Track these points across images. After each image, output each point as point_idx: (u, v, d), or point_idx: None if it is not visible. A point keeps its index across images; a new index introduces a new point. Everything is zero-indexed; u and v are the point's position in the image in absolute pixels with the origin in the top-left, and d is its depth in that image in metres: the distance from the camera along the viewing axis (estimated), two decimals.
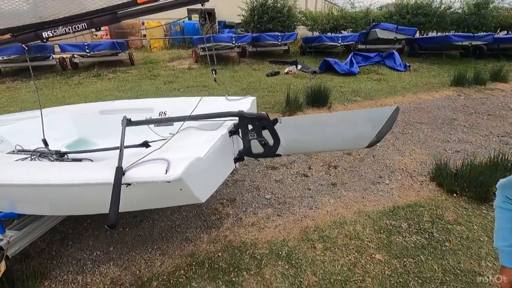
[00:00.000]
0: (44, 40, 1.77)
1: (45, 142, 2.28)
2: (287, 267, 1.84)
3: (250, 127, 1.70)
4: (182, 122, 1.81)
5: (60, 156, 2.27)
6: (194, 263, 1.89)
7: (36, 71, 8.12)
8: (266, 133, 1.69)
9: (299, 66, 8.23)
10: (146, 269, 1.87)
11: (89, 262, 1.94)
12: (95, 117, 2.71)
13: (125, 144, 2.06)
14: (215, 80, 2.29)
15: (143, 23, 13.67)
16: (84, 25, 1.71)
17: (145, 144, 2.04)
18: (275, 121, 1.68)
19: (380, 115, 1.63)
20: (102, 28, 13.76)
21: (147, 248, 2.05)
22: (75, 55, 8.48)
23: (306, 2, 20.34)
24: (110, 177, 1.22)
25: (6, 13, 1.72)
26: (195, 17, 16.93)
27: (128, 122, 1.71)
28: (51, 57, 8.31)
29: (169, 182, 1.19)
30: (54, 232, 2.20)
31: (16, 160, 1.93)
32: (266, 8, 11.44)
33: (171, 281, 1.77)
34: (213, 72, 2.28)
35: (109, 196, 1.26)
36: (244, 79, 7.01)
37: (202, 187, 1.35)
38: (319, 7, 19.46)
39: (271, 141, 1.69)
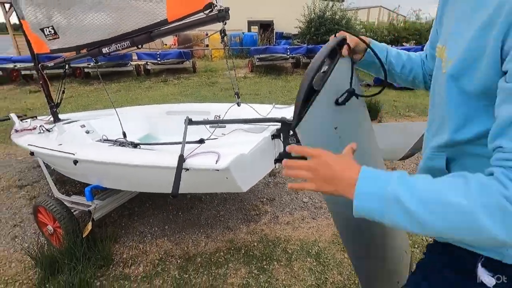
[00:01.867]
0: (106, 55, 2.16)
1: (124, 134, 2.80)
2: (315, 264, 1.99)
3: (291, 132, 1.91)
4: (234, 124, 2.12)
5: (134, 146, 2.77)
6: (232, 248, 2.15)
7: (117, 76, 9.48)
8: None
9: None
10: (193, 247, 2.19)
11: (149, 235, 2.34)
12: (163, 117, 3.20)
13: (186, 139, 2.46)
14: (238, 105, 2.45)
15: (206, 34, 14.89)
16: (128, 43, 1.99)
17: (201, 141, 2.39)
18: None
19: (416, 129, 1.70)
20: (171, 39, 15.35)
21: (195, 230, 2.38)
22: (148, 63, 9.69)
23: (369, 14, 19.81)
24: (174, 162, 1.55)
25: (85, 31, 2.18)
26: (255, 29, 17.82)
27: (190, 122, 2.07)
28: (129, 64, 9.64)
29: (218, 170, 1.47)
30: (124, 208, 2.69)
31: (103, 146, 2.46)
32: (323, 20, 11.56)
33: (212, 260, 2.05)
34: (236, 95, 2.38)
35: (170, 177, 1.60)
36: (296, 90, 7.23)
37: (244, 178, 1.61)
38: (382, 18, 18.78)
39: None
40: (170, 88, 7.75)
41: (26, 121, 3.31)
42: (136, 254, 2.15)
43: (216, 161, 1.48)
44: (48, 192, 2.94)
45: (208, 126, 2.49)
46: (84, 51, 2.15)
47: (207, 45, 14.31)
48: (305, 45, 10.07)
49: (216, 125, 2.34)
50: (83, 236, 1.98)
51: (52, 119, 3.24)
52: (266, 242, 2.21)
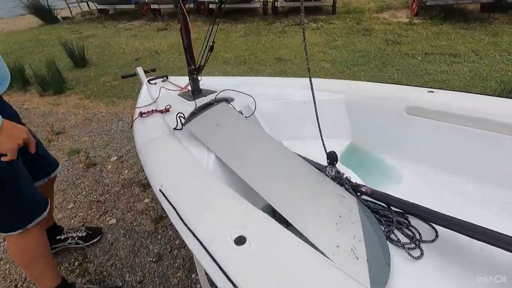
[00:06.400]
0: None
1: (332, 157, 1.27)
2: None
3: None
4: None
5: (350, 186, 1.22)
6: None
7: (241, 14, 8.07)
8: None
9: None
10: None
11: None
12: (393, 114, 1.51)
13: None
14: None
15: None
16: None
17: None
18: None
19: None
20: None
21: None
22: None
23: None
24: None
25: None
26: None
27: None
28: None
29: None
30: None
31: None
32: None
33: None
34: None
35: None
36: None
37: None
38: None
39: None
40: (311, 35, 5.86)
41: (155, 83, 2.17)
42: None
43: None
44: None
45: None
46: None
47: None
48: None
49: None
50: None
51: (189, 88, 1.99)
52: None
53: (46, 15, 9.13)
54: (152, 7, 8.56)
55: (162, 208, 1.09)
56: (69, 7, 10.04)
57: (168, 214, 0.91)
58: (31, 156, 1.10)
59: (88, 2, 10.10)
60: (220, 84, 2.10)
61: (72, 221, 1.90)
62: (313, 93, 1.23)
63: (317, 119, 1.27)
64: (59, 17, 9.47)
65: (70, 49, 4.60)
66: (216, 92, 1.96)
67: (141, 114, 1.62)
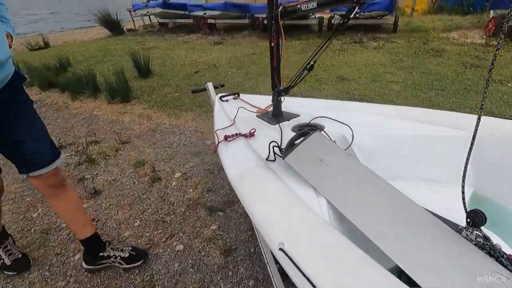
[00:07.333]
0: None
1: (479, 218, 1.00)
2: None
3: None
4: None
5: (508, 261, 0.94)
6: None
7: (295, 30, 7.99)
8: None
9: None
10: None
11: None
12: None
13: None
14: None
15: None
16: None
17: None
18: None
19: None
20: None
21: None
22: (335, 15, 7.67)
23: None
24: None
25: None
26: None
27: None
28: (314, 15, 7.89)
29: None
30: None
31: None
32: None
33: None
34: None
35: None
36: None
37: None
38: None
39: None
40: (372, 54, 5.55)
41: (226, 100, 2.07)
42: None
43: None
44: None
45: None
46: None
47: None
48: None
49: None
50: None
51: (271, 110, 1.84)
52: None
53: (114, 27, 9.92)
54: (208, 21, 8.86)
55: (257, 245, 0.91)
56: (133, 20, 10.84)
57: (295, 282, 0.72)
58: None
59: (150, 16, 10.83)
60: (299, 105, 1.94)
61: (139, 240, 1.81)
62: (474, 135, 0.96)
63: (466, 164, 1.00)
64: (124, 29, 10.25)
65: (137, 59, 4.82)
66: (297, 115, 1.79)
67: (226, 137, 1.49)
